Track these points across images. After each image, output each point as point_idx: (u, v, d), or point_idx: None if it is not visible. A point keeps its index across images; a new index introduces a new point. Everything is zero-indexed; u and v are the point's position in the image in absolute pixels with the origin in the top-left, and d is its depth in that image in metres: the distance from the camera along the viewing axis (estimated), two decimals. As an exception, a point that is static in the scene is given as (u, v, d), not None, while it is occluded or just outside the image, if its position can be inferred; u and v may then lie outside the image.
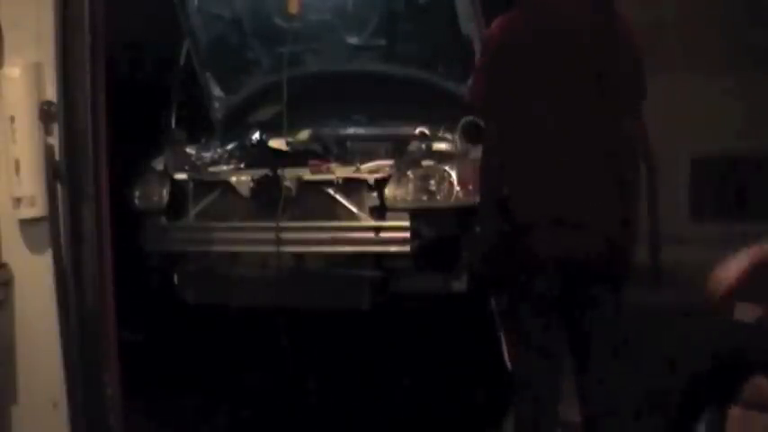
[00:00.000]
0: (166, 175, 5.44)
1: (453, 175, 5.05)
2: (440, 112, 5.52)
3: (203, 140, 5.97)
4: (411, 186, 5.09)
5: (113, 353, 3.41)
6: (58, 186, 3.35)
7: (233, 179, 5.29)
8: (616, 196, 3.52)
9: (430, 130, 5.57)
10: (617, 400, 3.56)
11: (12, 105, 3.35)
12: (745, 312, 3.25)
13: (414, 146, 5.45)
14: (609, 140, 3.51)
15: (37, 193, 3.37)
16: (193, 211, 5.33)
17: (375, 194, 5.10)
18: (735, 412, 3.16)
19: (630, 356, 3.66)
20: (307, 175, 5.20)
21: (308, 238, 5.13)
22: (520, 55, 3.51)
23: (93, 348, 3.36)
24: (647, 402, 3.65)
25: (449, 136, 5.47)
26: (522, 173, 3.55)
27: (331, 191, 5.15)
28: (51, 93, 3.34)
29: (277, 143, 5.54)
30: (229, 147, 5.87)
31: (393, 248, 5.03)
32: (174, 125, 6.07)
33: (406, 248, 5.00)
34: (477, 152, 5.23)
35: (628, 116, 3.50)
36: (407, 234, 5.01)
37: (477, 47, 5.33)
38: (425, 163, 5.19)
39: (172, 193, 5.38)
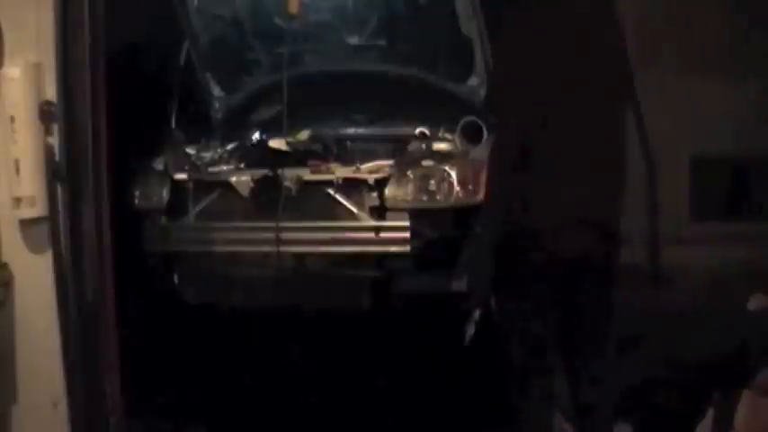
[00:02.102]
0: (166, 175, 5.44)
1: (453, 175, 5.05)
2: (440, 112, 5.53)
3: (203, 140, 5.97)
4: (411, 186, 5.09)
5: (113, 353, 3.41)
6: (58, 186, 3.34)
7: (233, 179, 5.29)
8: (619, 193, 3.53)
9: (430, 130, 5.57)
10: (613, 396, 3.57)
11: (12, 105, 3.35)
12: (758, 303, 3.27)
13: (414, 146, 5.45)
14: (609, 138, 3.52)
15: (37, 193, 3.36)
16: (193, 211, 5.33)
17: (375, 194, 5.10)
18: (746, 397, 3.17)
19: (632, 353, 3.67)
20: (307, 175, 5.20)
21: (308, 238, 5.13)
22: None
23: (93, 348, 3.36)
24: (648, 397, 3.65)
25: (449, 136, 5.47)
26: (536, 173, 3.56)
27: (331, 191, 5.15)
28: (51, 93, 3.34)
29: (277, 143, 5.54)
30: (229, 147, 5.87)
31: (393, 248, 5.03)
32: (174, 125, 6.07)
33: (406, 248, 5.00)
34: (476, 152, 5.26)
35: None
36: (407, 234, 5.01)
37: (478, 47, 5.34)
38: (425, 163, 5.19)
39: (172, 193, 5.38)
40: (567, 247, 3.48)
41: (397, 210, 5.07)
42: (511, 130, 3.54)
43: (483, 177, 5.01)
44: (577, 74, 3.55)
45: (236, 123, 6.14)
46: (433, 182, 5.08)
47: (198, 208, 5.33)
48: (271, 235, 5.05)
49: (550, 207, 3.49)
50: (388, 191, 5.09)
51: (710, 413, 3.32)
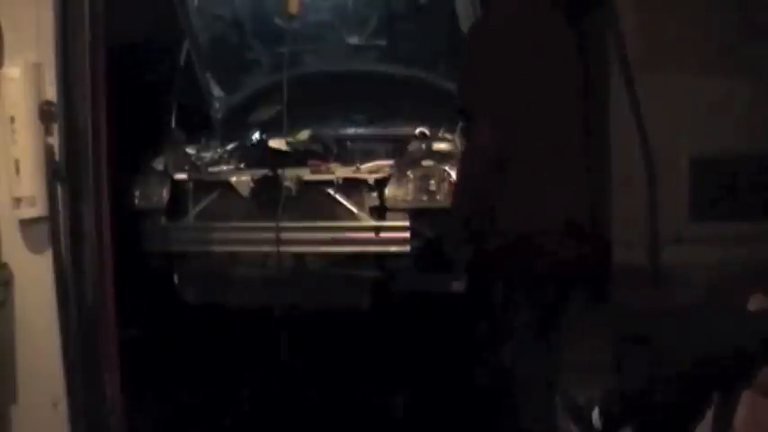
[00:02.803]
0: (166, 175, 5.44)
1: (453, 175, 5.05)
2: (440, 112, 5.53)
3: (203, 140, 5.97)
4: (411, 186, 5.10)
5: (113, 353, 3.41)
6: (58, 186, 3.35)
7: (233, 179, 5.30)
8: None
9: (430, 130, 5.58)
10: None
11: (12, 105, 3.35)
12: (758, 303, 3.27)
13: (414, 146, 5.46)
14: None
15: (37, 193, 3.36)
16: (193, 211, 5.33)
17: (375, 194, 5.10)
18: (746, 397, 3.17)
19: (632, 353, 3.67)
20: (307, 175, 5.21)
21: (308, 238, 5.13)
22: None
23: (93, 348, 3.36)
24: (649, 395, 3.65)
25: (449, 136, 5.48)
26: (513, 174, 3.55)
27: (331, 191, 5.15)
28: (51, 93, 3.34)
29: (277, 143, 5.54)
30: (229, 147, 5.87)
31: (393, 248, 5.03)
32: (174, 125, 6.07)
33: (406, 248, 5.01)
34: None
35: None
36: (407, 234, 5.01)
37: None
38: (425, 163, 5.19)
39: (172, 193, 5.38)
40: (563, 248, 3.48)
41: (397, 210, 5.07)
42: (495, 130, 3.52)
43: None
44: (577, 73, 3.56)
45: (236, 123, 6.15)
46: (432, 182, 5.09)
47: (198, 208, 5.33)
48: (271, 235, 5.05)
49: (545, 209, 3.49)
50: (388, 191, 5.09)
51: (710, 413, 3.33)
